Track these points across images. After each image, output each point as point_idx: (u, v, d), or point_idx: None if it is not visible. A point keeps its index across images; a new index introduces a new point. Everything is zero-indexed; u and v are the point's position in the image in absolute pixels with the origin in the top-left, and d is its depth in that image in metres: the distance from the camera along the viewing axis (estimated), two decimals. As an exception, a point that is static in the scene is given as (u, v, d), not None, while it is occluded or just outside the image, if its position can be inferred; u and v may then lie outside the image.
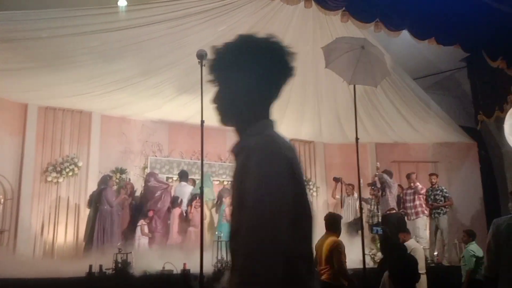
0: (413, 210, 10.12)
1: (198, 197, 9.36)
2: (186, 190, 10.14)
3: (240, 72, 1.85)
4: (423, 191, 10.24)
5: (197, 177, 11.07)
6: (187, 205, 9.80)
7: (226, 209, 9.70)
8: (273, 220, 1.63)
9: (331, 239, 5.77)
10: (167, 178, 11.16)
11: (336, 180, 10.75)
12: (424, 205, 10.13)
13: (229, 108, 1.90)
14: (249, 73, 1.84)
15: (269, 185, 1.66)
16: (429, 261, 8.98)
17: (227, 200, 9.79)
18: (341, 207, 10.81)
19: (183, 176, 10.54)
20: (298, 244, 1.74)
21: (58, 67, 8.53)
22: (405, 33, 8.89)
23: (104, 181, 9.48)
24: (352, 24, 8.55)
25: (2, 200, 9.36)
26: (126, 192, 9.76)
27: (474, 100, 11.36)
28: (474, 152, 12.15)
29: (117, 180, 10.37)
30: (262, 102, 1.90)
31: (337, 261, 5.60)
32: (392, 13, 8.48)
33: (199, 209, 9.13)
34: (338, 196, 10.86)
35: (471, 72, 11.49)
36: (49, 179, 9.97)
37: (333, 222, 5.96)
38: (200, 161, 5.47)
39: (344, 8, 8.14)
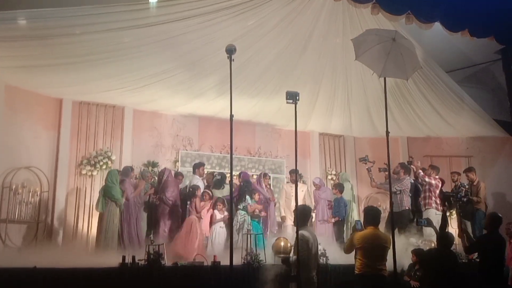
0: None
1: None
2: (192, 182, 9.78)
3: None
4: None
5: (226, 170, 11.10)
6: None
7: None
8: None
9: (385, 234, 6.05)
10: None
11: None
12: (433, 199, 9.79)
13: None
14: None
15: None
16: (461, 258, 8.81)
17: (256, 197, 9.74)
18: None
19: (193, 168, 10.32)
20: None
21: (91, 63, 8.69)
22: (437, 25, 8.72)
23: (124, 173, 9.17)
24: (383, 17, 8.45)
25: (38, 193, 9.66)
26: (149, 183, 9.52)
27: (509, 93, 11.13)
28: (509, 146, 11.88)
29: (151, 172, 10.40)
30: None
31: None
32: (424, 4, 8.33)
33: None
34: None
35: (506, 65, 11.25)
36: (84, 172, 10.24)
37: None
38: (229, 155, 5.51)
39: (374, 1, 8.04)
